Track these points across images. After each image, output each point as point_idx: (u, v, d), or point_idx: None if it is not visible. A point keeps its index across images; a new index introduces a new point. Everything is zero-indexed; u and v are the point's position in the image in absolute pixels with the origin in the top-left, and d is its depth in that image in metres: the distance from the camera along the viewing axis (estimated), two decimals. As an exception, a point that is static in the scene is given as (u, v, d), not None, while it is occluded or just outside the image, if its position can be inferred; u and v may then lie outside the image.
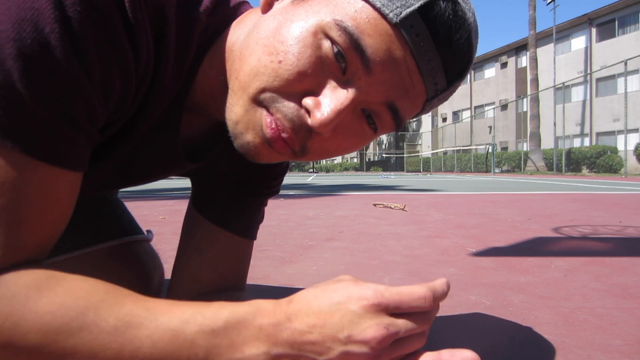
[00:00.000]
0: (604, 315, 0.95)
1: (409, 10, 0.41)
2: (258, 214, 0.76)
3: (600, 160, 18.60)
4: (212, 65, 0.51)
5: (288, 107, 0.44)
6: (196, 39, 0.49)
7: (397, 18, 0.41)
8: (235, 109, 0.46)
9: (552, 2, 23.03)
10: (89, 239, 0.81)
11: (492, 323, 0.91)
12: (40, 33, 0.36)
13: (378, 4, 0.41)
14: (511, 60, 28.47)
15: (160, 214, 2.96)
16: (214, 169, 0.70)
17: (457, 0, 0.43)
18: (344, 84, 0.44)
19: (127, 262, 0.81)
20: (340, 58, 0.42)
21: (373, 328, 0.40)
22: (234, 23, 0.52)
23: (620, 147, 19.01)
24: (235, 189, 0.72)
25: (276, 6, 0.47)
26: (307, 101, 0.43)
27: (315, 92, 0.44)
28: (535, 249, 1.76)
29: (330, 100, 0.43)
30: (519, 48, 27.77)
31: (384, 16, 0.41)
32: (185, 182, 7.24)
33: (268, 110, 0.44)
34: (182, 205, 3.37)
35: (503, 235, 2.11)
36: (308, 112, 0.44)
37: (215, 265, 0.71)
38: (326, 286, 0.44)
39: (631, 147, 18.16)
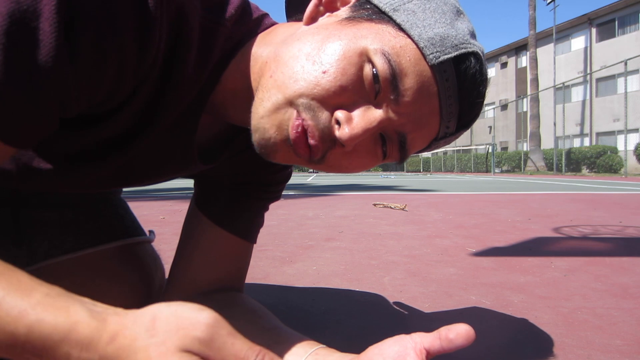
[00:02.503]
0: (604, 315, 0.95)
1: (446, 57, 0.46)
2: (259, 217, 0.76)
3: (600, 160, 18.60)
4: (237, 70, 0.52)
5: (321, 116, 0.46)
6: (221, 44, 0.50)
7: (435, 60, 0.45)
8: (266, 104, 0.47)
9: (552, 2, 23.03)
10: (90, 240, 0.81)
11: (492, 323, 0.91)
12: (35, 5, 0.37)
13: (422, 44, 0.45)
14: (511, 60, 28.48)
15: (160, 214, 2.96)
16: (219, 170, 0.70)
17: (483, 61, 0.48)
18: (374, 107, 0.47)
19: (128, 264, 0.81)
20: (377, 82, 0.45)
21: None
22: (263, 34, 0.54)
23: (620, 147, 19.00)
24: (238, 191, 0.72)
25: (321, 21, 0.50)
26: (339, 114, 0.46)
27: (348, 108, 0.46)
28: (535, 249, 1.76)
29: (361, 119, 0.46)
30: (519, 48, 27.77)
31: (424, 56, 0.45)
32: (185, 183, 7.24)
33: (299, 114, 0.46)
34: (182, 205, 3.37)
35: (503, 235, 2.11)
36: (338, 123, 0.46)
37: (214, 266, 0.72)
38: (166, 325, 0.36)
39: (631, 147, 18.15)
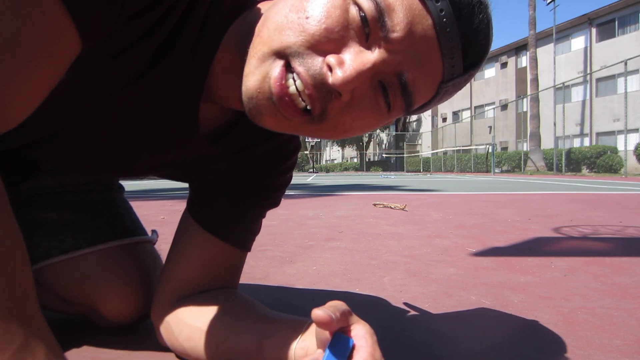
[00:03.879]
0: (604, 315, 0.95)
1: None
2: (254, 224, 0.74)
3: (600, 160, 18.60)
4: (233, 39, 0.50)
5: (312, 61, 0.43)
6: (226, 9, 0.49)
7: None
8: (251, 61, 0.45)
9: (552, 2, 23.03)
10: (89, 240, 0.81)
11: (492, 323, 0.91)
12: None
13: None
14: (511, 60, 28.47)
15: (160, 214, 2.96)
16: (219, 173, 0.69)
17: None
18: (366, 49, 0.44)
19: (126, 263, 0.81)
20: (365, 24, 0.43)
21: None
22: (261, 4, 0.52)
23: (620, 147, 19.00)
24: (233, 197, 0.71)
25: None
26: (330, 59, 0.43)
27: (339, 51, 0.44)
28: (535, 249, 1.76)
29: (353, 61, 0.43)
30: (519, 48, 27.77)
31: None
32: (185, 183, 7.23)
33: (289, 64, 0.44)
34: (182, 206, 3.35)
35: (503, 235, 2.11)
36: (330, 70, 0.44)
37: (202, 271, 0.70)
38: None
39: (631, 147, 18.15)
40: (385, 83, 0.46)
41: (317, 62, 0.43)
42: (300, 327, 0.57)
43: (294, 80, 0.44)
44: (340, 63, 0.43)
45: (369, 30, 0.43)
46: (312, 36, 0.43)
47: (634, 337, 0.83)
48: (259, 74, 0.45)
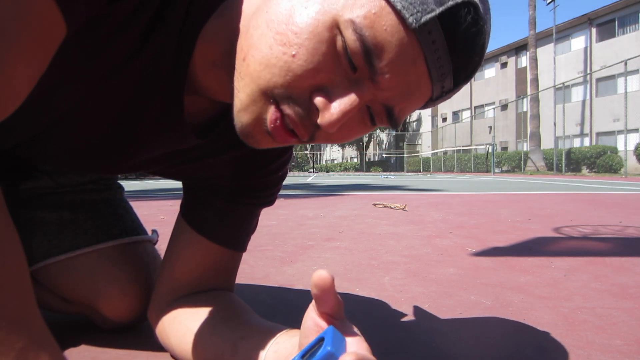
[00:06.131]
0: (604, 315, 0.95)
1: (429, 16, 0.40)
2: (248, 224, 0.73)
3: (600, 160, 18.60)
4: (211, 32, 0.49)
5: (299, 104, 0.44)
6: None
7: (416, 24, 0.40)
8: (241, 96, 0.45)
9: (552, 2, 23.03)
10: (88, 239, 0.81)
11: (492, 323, 0.91)
12: None
13: (399, 6, 0.39)
14: (511, 60, 28.47)
15: (160, 214, 2.96)
16: (206, 166, 0.69)
17: (478, 6, 0.41)
18: (353, 83, 0.43)
19: (126, 263, 0.81)
20: (352, 63, 0.42)
21: None
22: None
23: (620, 147, 19.01)
24: (225, 198, 0.70)
25: None
26: (318, 102, 0.43)
27: (327, 88, 0.43)
28: (535, 249, 1.76)
29: (339, 104, 0.43)
30: (519, 48, 27.76)
31: (402, 20, 0.40)
32: (185, 182, 7.22)
33: (278, 106, 0.44)
34: (182, 205, 3.36)
35: (503, 235, 2.11)
36: (317, 109, 0.44)
37: (196, 273, 0.70)
38: None
39: (631, 147, 18.16)
40: (371, 108, 0.46)
41: (303, 103, 0.44)
42: (277, 331, 0.57)
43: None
44: (327, 107, 0.43)
45: (356, 67, 0.42)
46: (300, 77, 0.42)
47: (634, 337, 0.83)
48: (252, 113, 0.45)
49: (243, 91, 0.45)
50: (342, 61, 0.42)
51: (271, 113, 0.44)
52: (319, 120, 0.44)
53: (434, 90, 0.45)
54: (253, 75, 0.44)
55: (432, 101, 0.48)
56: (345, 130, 0.48)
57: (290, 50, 0.41)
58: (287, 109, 0.44)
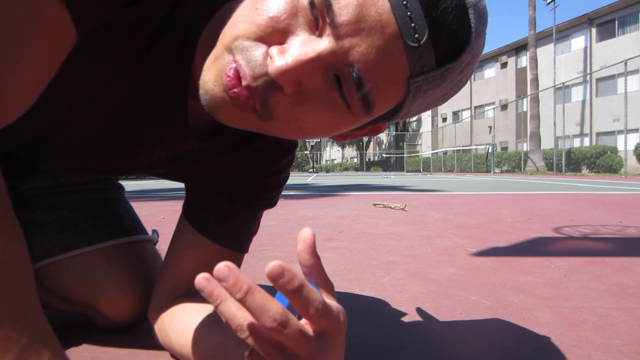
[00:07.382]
0: (604, 315, 0.95)
1: None
2: (250, 226, 0.73)
3: (600, 160, 18.60)
4: (210, 33, 0.49)
5: (253, 54, 0.41)
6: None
7: None
8: (210, 57, 0.44)
9: (552, 2, 23.04)
10: (88, 239, 0.81)
11: (492, 323, 0.91)
12: None
13: None
14: (511, 60, 28.48)
15: (160, 214, 2.97)
16: (208, 168, 0.69)
17: None
18: (314, 38, 0.41)
19: (127, 262, 0.81)
20: (313, 7, 0.40)
21: None
22: None
23: (620, 147, 19.01)
24: (227, 200, 0.70)
25: None
26: (273, 49, 0.40)
27: (286, 39, 0.41)
28: (535, 249, 1.76)
29: (295, 49, 0.40)
30: (519, 48, 27.77)
31: None
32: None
33: (234, 57, 0.42)
34: (182, 205, 3.36)
35: (503, 235, 2.11)
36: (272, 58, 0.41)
37: (197, 273, 0.69)
38: None
39: (631, 147, 18.17)
40: (339, 76, 0.41)
41: (258, 53, 0.41)
42: None
43: None
44: (282, 52, 0.40)
45: (318, 14, 0.39)
46: (259, 27, 0.40)
47: (634, 337, 0.83)
48: (215, 69, 0.43)
49: (213, 52, 0.44)
50: (304, 15, 0.40)
51: (227, 63, 0.42)
52: (269, 69, 0.40)
53: (409, 58, 0.40)
54: (222, 36, 0.43)
55: (413, 79, 0.41)
56: (311, 108, 0.43)
57: (254, 5, 0.42)
58: (240, 59, 0.41)
